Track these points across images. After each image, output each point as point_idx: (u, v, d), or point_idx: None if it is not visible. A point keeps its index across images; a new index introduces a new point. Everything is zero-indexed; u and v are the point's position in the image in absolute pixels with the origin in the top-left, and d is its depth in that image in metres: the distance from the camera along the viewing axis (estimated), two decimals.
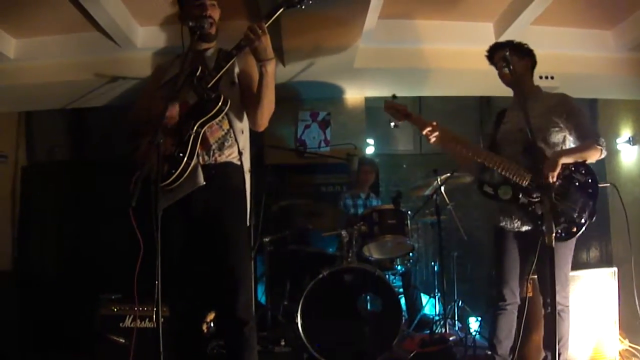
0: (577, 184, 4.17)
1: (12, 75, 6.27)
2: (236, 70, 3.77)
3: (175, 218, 3.49)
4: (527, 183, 4.12)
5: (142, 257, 3.02)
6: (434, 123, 4.39)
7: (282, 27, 5.49)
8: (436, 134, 4.35)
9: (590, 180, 4.22)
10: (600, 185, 4.27)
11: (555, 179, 3.98)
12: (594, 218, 4.19)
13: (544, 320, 4.38)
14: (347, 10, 5.31)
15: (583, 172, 4.22)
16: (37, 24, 5.85)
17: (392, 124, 4.63)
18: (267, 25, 3.50)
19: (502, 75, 4.38)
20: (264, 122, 3.75)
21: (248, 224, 3.82)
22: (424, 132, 4.39)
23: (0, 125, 7.71)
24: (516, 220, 4.30)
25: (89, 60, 6.31)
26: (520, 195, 4.17)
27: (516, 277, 4.32)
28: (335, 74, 7.06)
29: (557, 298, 3.79)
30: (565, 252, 4.23)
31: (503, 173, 4.17)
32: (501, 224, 4.37)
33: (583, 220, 4.13)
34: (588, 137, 4.23)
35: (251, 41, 3.45)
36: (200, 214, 3.58)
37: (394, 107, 4.59)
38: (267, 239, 6.29)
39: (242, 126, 3.78)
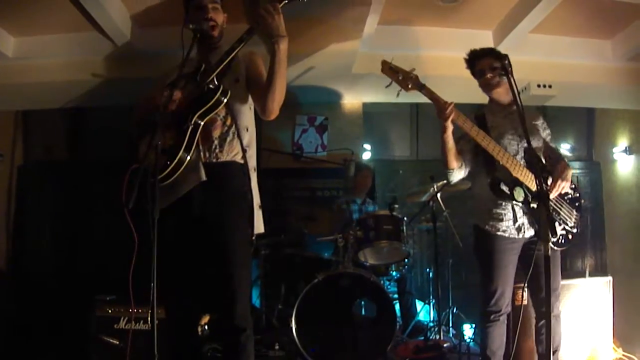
0: (570, 197, 4.31)
1: (10, 73, 6.27)
2: (242, 66, 3.75)
3: (174, 219, 3.44)
4: (535, 187, 4.09)
5: (137, 258, 3.01)
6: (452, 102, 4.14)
7: None
8: (451, 111, 4.07)
9: (578, 195, 4.43)
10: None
11: (567, 189, 4.08)
12: (581, 229, 4.38)
13: (536, 330, 4.37)
14: (347, 15, 5.32)
15: (573, 187, 4.41)
16: (36, 23, 5.84)
17: (397, 92, 4.21)
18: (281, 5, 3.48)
19: (495, 84, 4.35)
20: (274, 107, 3.65)
21: (263, 230, 3.76)
22: (447, 109, 4.07)
23: None
24: (519, 225, 4.24)
25: (87, 60, 6.31)
26: (531, 199, 4.16)
27: (510, 286, 4.29)
28: (333, 78, 7.09)
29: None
30: (557, 260, 4.25)
31: (515, 174, 4.13)
32: (498, 232, 4.27)
33: (576, 230, 4.28)
34: (562, 159, 4.39)
35: (264, 19, 3.43)
36: (199, 216, 3.52)
37: (400, 71, 4.15)
38: (262, 242, 6.29)
39: (247, 123, 3.72)
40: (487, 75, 4.38)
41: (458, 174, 4.43)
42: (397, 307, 6.48)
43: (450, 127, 4.14)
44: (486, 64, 4.34)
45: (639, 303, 6.64)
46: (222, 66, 3.51)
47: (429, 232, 7.09)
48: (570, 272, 7.22)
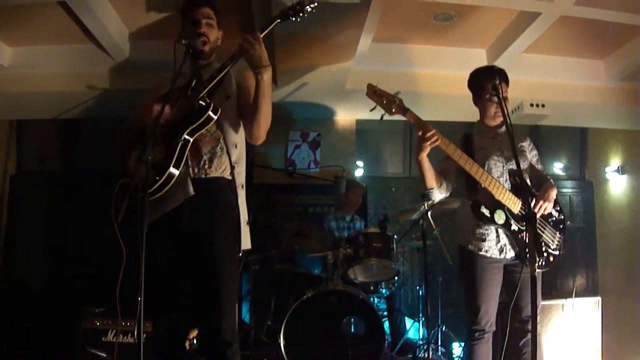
0: (554, 218, 4.34)
1: (5, 83, 6.27)
2: (233, 84, 3.76)
3: (163, 233, 3.45)
4: (518, 210, 4.14)
5: (125, 271, 3.01)
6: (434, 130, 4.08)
7: (275, 47, 5.51)
8: (436, 138, 4.00)
9: (563, 217, 4.44)
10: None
11: (549, 210, 4.08)
12: (563, 251, 4.38)
13: (519, 351, 4.35)
14: (340, 33, 5.33)
15: (558, 209, 4.42)
16: (32, 34, 5.86)
17: (381, 115, 4.17)
18: (262, 35, 3.48)
19: (491, 105, 4.33)
20: (261, 134, 3.68)
21: (250, 246, 3.75)
22: (427, 135, 4.00)
23: None
24: (500, 247, 4.24)
25: (82, 72, 6.33)
26: (512, 222, 4.17)
27: (494, 305, 4.27)
28: (327, 95, 7.09)
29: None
30: (538, 281, 4.26)
31: (498, 196, 4.13)
32: (480, 252, 4.26)
33: (558, 252, 4.31)
34: (547, 181, 4.42)
35: (245, 50, 3.44)
36: (188, 231, 3.52)
37: (384, 95, 4.10)
38: (252, 258, 6.28)
39: (236, 140, 3.72)
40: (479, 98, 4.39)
41: (439, 193, 4.42)
42: (387, 324, 6.48)
43: (426, 150, 4.11)
44: (490, 84, 4.27)
45: (630, 323, 6.65)
46: (213, 82, 3.52)
47: (419, 250, 7.08)
48: (560, 292, 7.22)
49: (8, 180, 7.83)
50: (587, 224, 8.54)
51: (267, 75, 3.51)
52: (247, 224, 3.74)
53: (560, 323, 5.38)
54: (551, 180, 4.38)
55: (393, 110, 4.08)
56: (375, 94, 4.13)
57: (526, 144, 4.47)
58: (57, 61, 6.19)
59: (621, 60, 6.42)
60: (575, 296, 5.75)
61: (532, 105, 6.58)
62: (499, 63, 5.91)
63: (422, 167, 4.24)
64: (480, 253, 4.26)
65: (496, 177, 4.20)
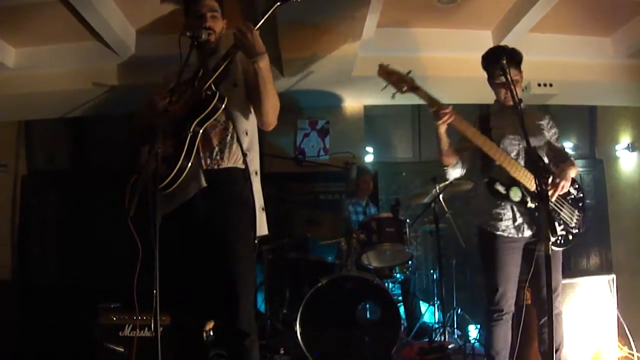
0: (572, 196, 4.33)
1: (12, 84, 6.30)
2: (240, 70, 3.74)
3: (177, 226, 3.45)
4: (534, 187, 4.10)
5: (141, 265, 3.01)
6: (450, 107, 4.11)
7: (280, 36, 5.51)
8: (449, 115, 4.07)
9: (581, 195, 4.43)
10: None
11: (567, 189, 4.07)
12: (584, 229, 4.35)
13: (538, 329, 4.35)
14: (345, 19, 5.31)
15: (576, 187, 4.42)
16: (36, 34, 5.87)
17: (393, 92, 4.13)
18: (261, 23, 3.48)
19: (499, 83, 4.32)
20: (270, 119, 3.67)
21: (266, 231, 3.74)
22: (440, 113, 4.06)
23: (0, 134, 7.73)
24: (517, 225, 4.25)
25: (88, 70, 6.34)
26: (529, 199, 4.18)
27: (513, 285, 4.28)
28: (333, 82, 7.08)
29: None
30: (558, 259, 4.25)
31: (513, 174, 4.13)
32: (498, 232, 4.27)
33: (577, 230, 4.29)
34: (567, 159, 4.39)
35: (239, 40, 3.44)
36: (201, 222, 3.51)
37: (395, 74, 4.12)
38: (266, 247, 6.28)
39: (247, 127, 3.70)
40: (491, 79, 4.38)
41: (453, 171, 4.45)
42: (402, 309, 6.48)
43: (442, 127, 4.18)
44: (498, 64, 4.23)
45: None
46: (218, 72, 3.51)
47: (432, 234, 7.07)
48: (574, 271, 7.20)
49: (19, 181, 7.86)
50: (598, 202, 8.51)
51: (263, 63, 3.49)
52: (263, 209, 3.72)
53: (575, 301, 5.36)
54: (572, 159, 4.36)
55: (404, 89, 4.10)
56: (387, 73, 4.14)
57: (544, 122, 4.47)
58: (63, 60, 6.21)
59: (629, 37, 6.37)
60: (589, 274, 5.74)
61: (539, 85, 6.57)
62: (504, 43, 5.87)
63: (440, 143, 4.32)
64: (498, 233, 4.27)
65: (512, 155, 4.21)
